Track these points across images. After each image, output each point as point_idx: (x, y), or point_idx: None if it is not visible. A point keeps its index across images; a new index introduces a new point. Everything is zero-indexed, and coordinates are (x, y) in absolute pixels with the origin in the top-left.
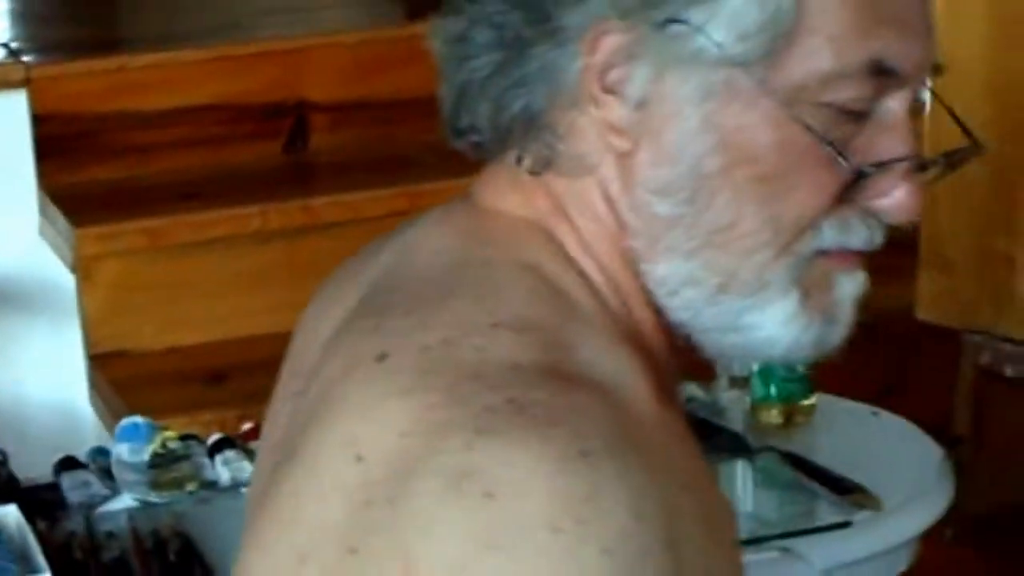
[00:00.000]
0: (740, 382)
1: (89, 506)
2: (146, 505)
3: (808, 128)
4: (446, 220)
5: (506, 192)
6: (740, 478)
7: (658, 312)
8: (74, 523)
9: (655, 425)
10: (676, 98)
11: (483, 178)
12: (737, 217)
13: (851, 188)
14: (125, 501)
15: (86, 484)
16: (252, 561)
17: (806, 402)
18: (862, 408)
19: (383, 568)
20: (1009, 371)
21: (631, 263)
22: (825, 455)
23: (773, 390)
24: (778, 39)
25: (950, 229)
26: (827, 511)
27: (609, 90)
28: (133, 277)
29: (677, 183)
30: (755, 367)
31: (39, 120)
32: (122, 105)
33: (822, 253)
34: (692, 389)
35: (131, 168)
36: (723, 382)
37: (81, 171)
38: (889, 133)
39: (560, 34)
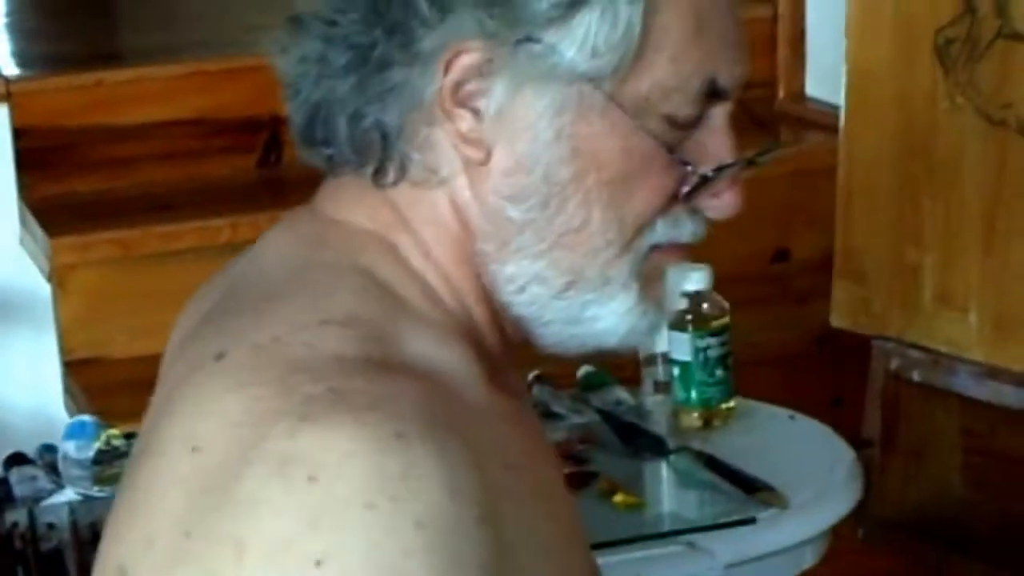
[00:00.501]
0: (663, 386)
1: (34, 499)
2: (87, 499)
3: (654, 137)
4: (290, 228)
5: (350, 205)
6: (657, 477)
7: (497, 310)
8: (18, 515)
9: (483, 410)
10: (531, 111)
11: (327, 191)
12: (585, 220)
13: (689, 190)
14: (68, 495)
15: (33, 479)
16: (109, 549)
17: (725, 406)
18: (780, 412)
19: (215, 550)
20: (917, 377)
21: (477, 265)
22: (740, 456)
23: (693, 394)
24: (627, 57)
25: (863, 241)
26: (734, 508)
27: (464, 104)
28: (107, 286)
29: (530, 190)
30: (676, 372)
31: (20, 133)
32: (100, 119)
33: (655, 248)
34: (619, 393)
35: (108, 180)
36: (648, 387)
37: (60, 183)
38: (718, 140)
39: (420, 55)
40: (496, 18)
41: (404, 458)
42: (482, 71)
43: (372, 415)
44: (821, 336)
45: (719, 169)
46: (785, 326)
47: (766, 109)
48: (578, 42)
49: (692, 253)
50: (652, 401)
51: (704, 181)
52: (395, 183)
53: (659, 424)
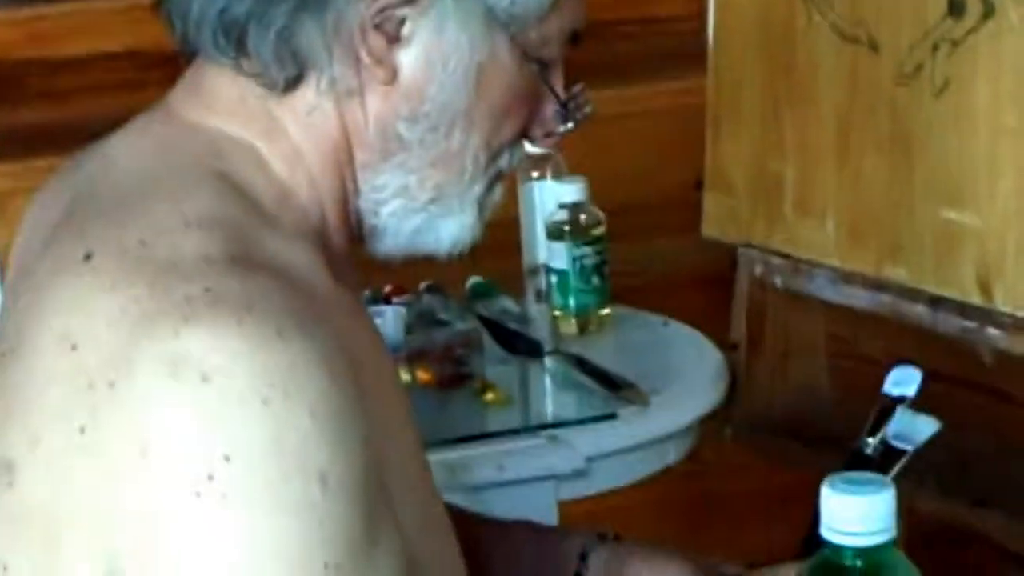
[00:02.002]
0: (544, 295)
1: None
2: None
3: (540, 75)
4: (145, 132)
5: (220, 110)
6: (530, 378)
7: (351, 213)
8: None
9: (332, 304)
10: (449, 45)
11: (188, 94)
12: (463, 145)
13: (543, 121)
14: None
15: None
16: None
17: (601, 313)
18: (654, 319)
19: (117, 447)
20: (779, 283)
21: (345, 172)
22: (612, 359)
23: (570, 301)
24: (542, 10)
25: (731, 155)
26: (597, 405)
27: (383, 26)
28: None
29: (426, 114)
30: (554, 281)
31: None
32: (40, 53)
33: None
34: (504, 302)
35: (47, 112)
36: (530, 296)
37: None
38: (559, 77)
39: None
40: None
41: (287, 354)
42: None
43: (251, 315)
44: (734, 261)
45: (573, 98)
46: (705, 249)
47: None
48: None
49: (625, 179)
50: (534, 309)
51: (571, 112)
52: (289, 92)
53: (540, 330)
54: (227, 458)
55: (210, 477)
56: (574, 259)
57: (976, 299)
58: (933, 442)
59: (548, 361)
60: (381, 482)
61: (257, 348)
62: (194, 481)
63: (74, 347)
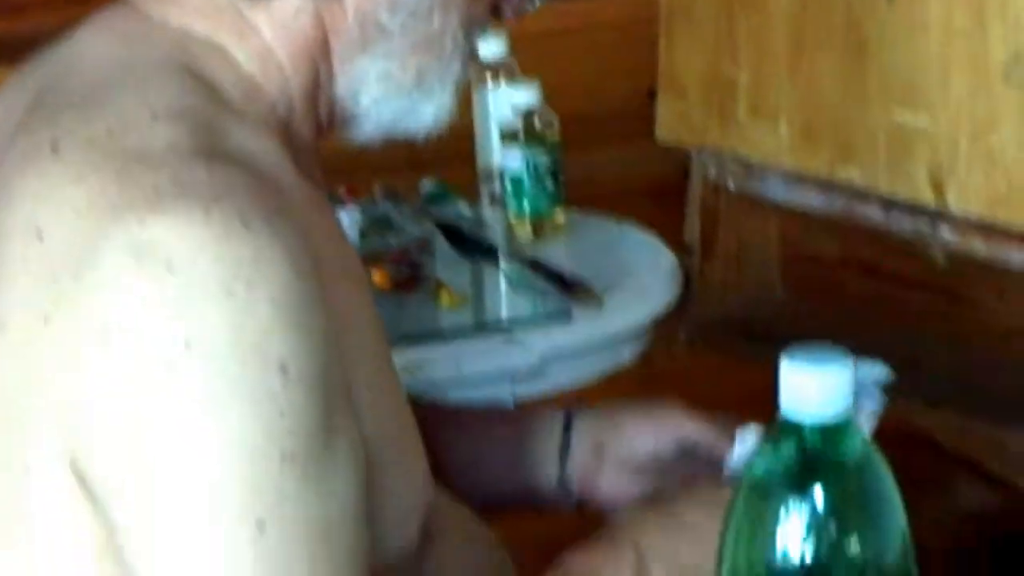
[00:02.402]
0: (499, 200)
1: None
2: None
3: None
4: (107, 27)
5: (188, 9)
6: (484, 281)
7: (321, 103)
8: None
9: (297, 197)
10: None
11: None
12: (443, 26)
13: None
14: None
15: None
16: None
17: (555, 216)
18: (609, 223)
19: (79, 335)
20: (732, 185)
21: (320, 63)
22: (567, 262)
23: (525, 205)
24: None
25: (684, 59)
26: (552, 305)
27: None
28: None
29: (407, 1)
30: (509, 185)
31: None
32: None
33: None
34: (459, 207)
35: (7, 25)
36: (485, 200)
37: None
38: None
39: None
40: None
41: (252, 245)
42: None
43: (218, 205)
44: (687, 169)
45: None
46: (657, 159)
47: None
48: None
49: (578, 89)
50: (489, 214)
51: None
52: None
53: (494, 234)
54: (188, 345)
55: (170, 364)
56: (528, 163)
57: (929, 200)
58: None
59: (503, 263)
60: (342, 376)
61: (222, 238)
62: (155, 367)
63: (41, 237)
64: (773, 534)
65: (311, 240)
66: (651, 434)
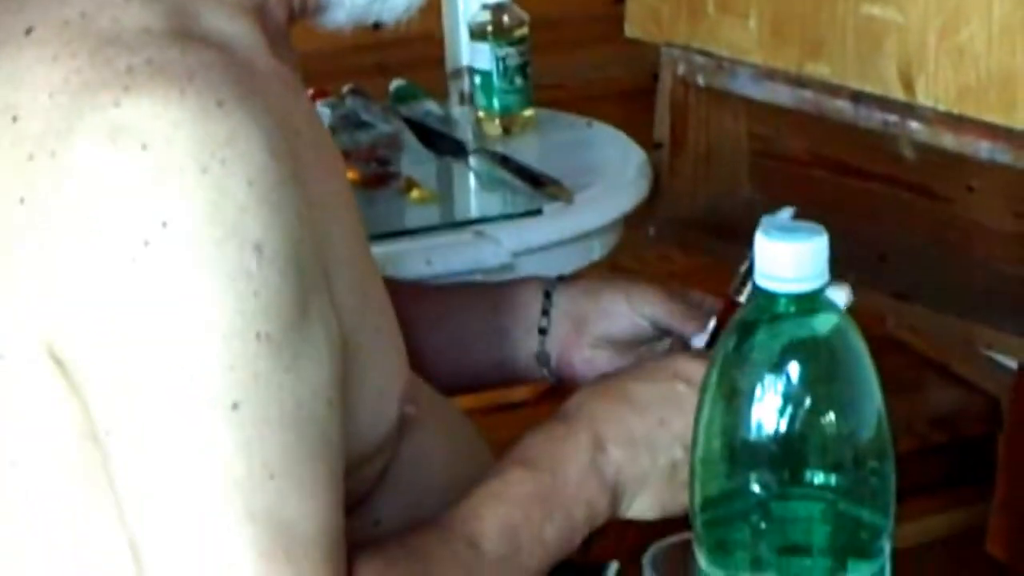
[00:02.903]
0: (468, 97)
1: None
2: None
3: None
4: None
5: None
6: (454, 177)
7: None
8: None
9: (272, 79)
10: None
11: None
12: None
13: None
14: None
15: None
16: None
17: (524, 113)
18: (578, 120)
19: (54, 216)
20: (702, 81)
21: None
22: (537, 159)
23: (494, 102)
24: None
25: None
26: (522, 201)
27: None
28: None
29: None
30: (478, 82)
31: None
32: None
33: None
34: (428, 105)
35: None
36: (454, 98)
37: None
38: None
39: None
40: None
41: (227, 124)
42: None
43: (192, 85)
44: (655, 73)
45: None
46: (624, 62)
47: None
48: None
49: None
50: (458, 111)
51: None
52: None
53: (464, 132)
54: (164, 224)
55: (146, 243)
56: (497, 59)
57: (898, 94)
58: None
59: (472, 160)
60: (317, 259)
61: (197, 118)
62: (131, 246)
63: (16, 118)
64: (748, 407)
65: (287, 122)
66: (628, 313)
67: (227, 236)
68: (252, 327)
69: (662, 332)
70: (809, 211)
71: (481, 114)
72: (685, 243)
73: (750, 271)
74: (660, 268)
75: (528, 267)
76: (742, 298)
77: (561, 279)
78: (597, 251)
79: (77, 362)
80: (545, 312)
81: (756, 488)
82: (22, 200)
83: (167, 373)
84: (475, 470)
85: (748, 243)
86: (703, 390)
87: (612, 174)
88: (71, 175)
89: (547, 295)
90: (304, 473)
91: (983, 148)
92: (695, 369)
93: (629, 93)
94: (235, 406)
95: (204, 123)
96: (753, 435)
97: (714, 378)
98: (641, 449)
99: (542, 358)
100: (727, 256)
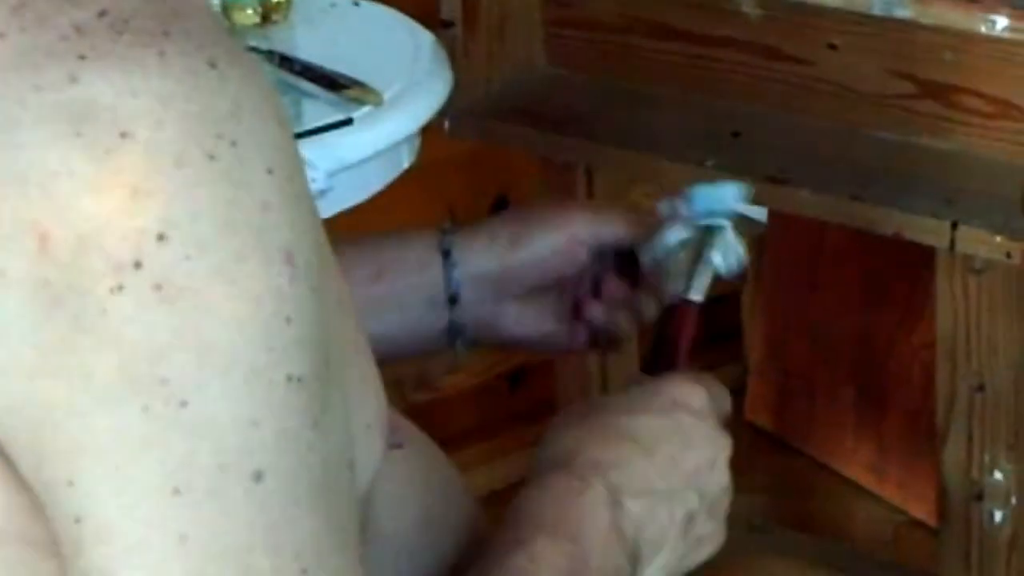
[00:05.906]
0: None
1: None
2: None
3: None
4: None
5: None
6: None
7: None
8: None
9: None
10: None
11: None
12: None
13: None
14: None
15: None
16: None
17: None
18: (344, 1)
19: (13, 242)
20: None
21: None
22: (311, 52)
23: None
24: None
25: None
26: (324, 111)
27: None
28: None
29: None
30: None
31: None
32: None
33: None
34: None
35: None
36: None
37: None
38: None
39: None
40: None
41: (227, 92)
42: None
43: (171, 43)
44: None
45: None
46: None
47: None
48: None
49: None
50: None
51: None
52: None
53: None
54: (161, 237)
55: (136, 265)
56: None
57: None
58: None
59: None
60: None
61: (190, 88)
62: (114, 273)
63: None
64: None
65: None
66: (566, 250)
67: (248, 243)
68: (282, 367)
69: (601, 256)
70: (629, 89)
71: (231, 2)
72: (483, 132)
73: (699, 258)
74: (462, 165)
75: (342, 188)
76: (698, 296)
77: (453, 228)
78: (405, 160)
79: (26, 434)
80: (448, 278)
81: None
82: None
83: (167, 435)
84: (450, 504)
85: (548, 129)
86: None
87: (405, 64)
88: (22, 185)
89: (446, 254)
90: (338, 564)
91: None
92: (696, 395)
93: None
94: (258, 476)
95: (199, 94)
96: None
97: None
98: (658, 499)
99: (454, 330)
100: (530, 143)
